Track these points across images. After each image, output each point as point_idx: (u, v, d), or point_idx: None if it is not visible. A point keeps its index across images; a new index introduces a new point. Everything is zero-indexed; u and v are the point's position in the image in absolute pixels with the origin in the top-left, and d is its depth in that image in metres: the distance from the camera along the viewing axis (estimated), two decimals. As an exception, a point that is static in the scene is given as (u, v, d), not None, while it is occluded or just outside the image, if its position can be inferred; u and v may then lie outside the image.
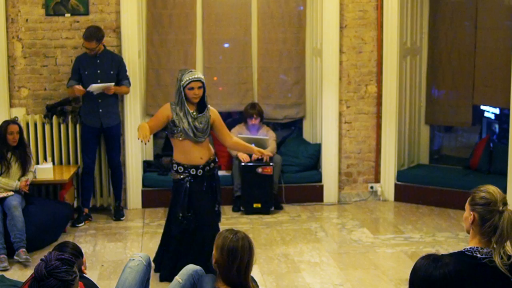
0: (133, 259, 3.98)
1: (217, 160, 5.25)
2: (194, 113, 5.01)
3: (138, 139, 4.88)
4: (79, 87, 6.36)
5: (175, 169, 5.07)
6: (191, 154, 5.01)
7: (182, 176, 5.02)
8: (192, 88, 4.95)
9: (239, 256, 3.20)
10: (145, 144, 5.09)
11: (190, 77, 4.94)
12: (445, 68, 7.44)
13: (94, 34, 6.38)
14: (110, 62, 6.53)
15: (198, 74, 5.01)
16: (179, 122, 4.97)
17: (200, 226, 4.99)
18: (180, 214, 4.99)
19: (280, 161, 7.09)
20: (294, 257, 5.68)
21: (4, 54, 6.73)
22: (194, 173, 5.02)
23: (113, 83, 6.42)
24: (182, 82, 4.95)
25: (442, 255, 2.82)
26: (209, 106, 5.14)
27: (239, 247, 3.21)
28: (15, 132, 5.88)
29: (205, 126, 5.03)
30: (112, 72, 6.51)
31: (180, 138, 5.00)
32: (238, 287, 3.22)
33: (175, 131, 5.00)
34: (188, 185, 4.99)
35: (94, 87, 6.36)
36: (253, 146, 5.51)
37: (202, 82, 4.99)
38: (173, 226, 5.09)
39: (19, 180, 5.90)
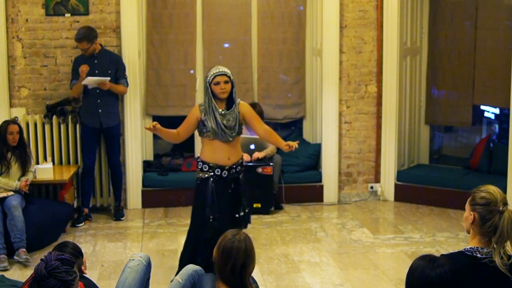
0: (133, 259, 3.98)
1: (244, 163, 4.99)
2: (223, 111, 4.80)
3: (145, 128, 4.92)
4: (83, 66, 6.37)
5: (200, 167, 4.89)
6: (219, 153, 4.82)
7: (206, 176, 4.84)
8: (218, 83, 4.75)
9: (233, 257, 3.18)
10: (151, 128, 4.85)
11: (215, 72, 4.78)
12: (445, 68, 7.45)
13: (84, 35, 6.39)
14: (107, 62, 6.54)
15: (224, 68, 4.82)
16: (207, 122, 4.80)
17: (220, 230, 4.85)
18: (211, 216, 4.79)
19: (280, 161, 7.09)
20: (294, 257, 5.68)
21: (4, 54, 6.73)
22: (219, 173, 4.83)
23: (109, 78, 6.41)
24: (208, 78, 4.81)
25: (440, 255, 2.82)
26: (238, 101, 4.89)
27: (234, 249, 3.19)
28: (15, 132, 5.88)
29: (234, 123, 4.80)
30: (110, 72, 6.52)
31: (210, 138, 4.82)
32: (235, 287, 3.22)
33: (204, 130, 4.83)
34: (213, 185, 4.81)
35: (89, 80, 6.36)
36: (281, 140, 5.13)
37: (229, 77, 4.78)
38: (204, 229, 4.85)
39: (19, 180, 5.90)
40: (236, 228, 4.64)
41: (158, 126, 4.82)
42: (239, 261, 3.19)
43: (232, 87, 4.82)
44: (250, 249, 3.24)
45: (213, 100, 4.79)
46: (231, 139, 4.81)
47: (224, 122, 4.78)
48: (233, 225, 4.75)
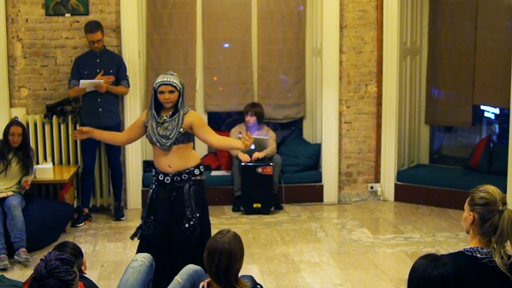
0: (136, 260, 3.99)
1: (199, 172, 4.67)
2: (165, 118, 4.59)
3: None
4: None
5: (152, 171, 4.80)
6: (159, 160, 4.66)
7: (154, 179, 4.73)
8: (162, 92, 4.55)
9: (216, 259, 3.21)
10: (74, 137, 4.85)
11: (160, 80, 4.57)
12: (445, 68, 7.45)
13: (97, 24, 6.43)
14: (109, 62, 6.54)
15: (171, 78, 4.57)
16: (148, 127, 4.63)
17: (156, 236, 4.65)
18: (145, 220, 4.70)
19: (280, 161, 7.09)
20: (294, 257, 5.68)
21: (4, 54, 6.73)
22: (162, 179, 4.64)
23: (103, 80, 6.41)
24: (154, 84, 4.60)
25: (441, 255, 2.81)
26: (187, 110, 4.63)
27: (218, 250, 3.22)
28: (16, 134, 5.86)
29: (172, 133, 4.55)
30: (111, 71, 6.52)
31: (151, 144, 4.70)
32: (223, 286, 3.24)
33: (146, 134, 4.69)
34: (156, 189, 4.68)
35: (85, 83, 6.36)
36: (235, 140, 4.90)
37: (174, 87, 4.55)
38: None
39: (20, 181, 5.90)
40: (184, 239, 4.52)
41: (86, 129, 4.78)
42: (222, 264, 3.21)
43: (180, 96, 4.59)
44: (235, 251, 3.24)
45: (153, 107, 4.63)
46: (164, 147, 4.59)
47: (160, 130, 4.59)
48: (181, 236, 4.57)
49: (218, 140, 4.73)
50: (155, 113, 4.61)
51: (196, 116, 4.68)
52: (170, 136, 4.57)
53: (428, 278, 2.68)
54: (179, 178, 4.62)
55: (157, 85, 4.58)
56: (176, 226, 4.60)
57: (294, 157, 7.32)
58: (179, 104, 4.60)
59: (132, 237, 4.82)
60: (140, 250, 4.69)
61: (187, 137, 4.64)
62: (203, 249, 4.57)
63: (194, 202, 4.62)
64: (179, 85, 4.59)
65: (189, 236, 4.58)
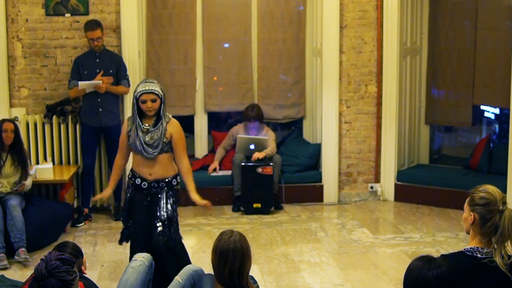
0: (136, 260, 3.99)
1: (176, 183, 4.68)
2: (148, 126, 4.56)
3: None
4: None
5: (129, 174, 4.80)
6: (141, 168, 4.65)
7: (131, 182, 4.72)
8: (144, 101, 4.50)
9: (230, 259, 3.18)
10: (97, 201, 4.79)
11: (142, 89, 4.51)
12: (445, 68, 7.45)
13: (96, 22, 6.43)
14: (109, 62, 6.54)
15: (152, 86, 4.53)
16: (131, 136, 4.60)
17: (139, 239, 4.69)
18: (126, 223, 4.73)
19: (280, 161, 7.08)
20: (294, 257, 5.68)
21: (4, 54, 6.73)
22: (139, 183, 4.64)
23: (101, 81, 6.41)
24: (135, 94, 4.54)
25: (441, 255, 2.82)
26: (168, 119, 4.62)
27: (230, 251, 3.19)
28: (9, 130, 5.81)
29: (157, 142, 4.54)
30: (111, 71, 6.52)
31: (133, 152, 4.68)
32: None
33: (129, 143, 4.66)
34: (132, 192, 4.69)
35: (83, 84, 6.36)
36: (193, 188, 4.70)
37: (156, 95, 4.51)
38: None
39: (19, 182, 5.85)
40: (159, 239, 4.53)
41: (106, 194, 4.84)
42: (237, 263, 3.19)
43: (162, 103, 4.55)
44: (246, 249, 3.23)
45: (137, 117, 4.58)
46: (151, 156, 4.58)
47: (147, 139, 4.56)
48: (153, 234, 4.58)
49: (185, 168, 4.68)
50: (139, 122, 4.57)
51: (177, 128, 4.64)
52: (156, 146, 4.56)
53: (423, 279, 2.69)
54: (156, 185, 4.64)
55: (139, 94, 4.53)
56: (153, 229, 4.60)
57: (294, 157, 7.32)
58: (161, 112, 4.58)
59: (119, 242, 4.83)
60: (132, 251, 4.73)
61: (171, 146, 4.64)
62: (176, 256, 4.60)
63: (171, 209, 4.63)
64: (161, 92, 4.57)
65: (165, 241, 4.57)
